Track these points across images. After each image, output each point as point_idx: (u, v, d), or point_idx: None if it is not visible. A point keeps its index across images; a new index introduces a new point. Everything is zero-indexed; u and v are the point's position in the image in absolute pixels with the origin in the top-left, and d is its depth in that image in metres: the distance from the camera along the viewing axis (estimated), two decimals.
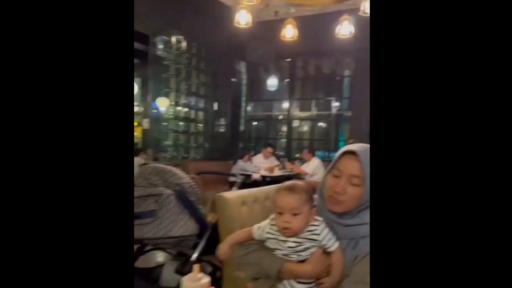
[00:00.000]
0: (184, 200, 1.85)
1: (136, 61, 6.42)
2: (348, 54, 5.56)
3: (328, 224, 0.98)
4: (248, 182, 4.62)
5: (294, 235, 0.94)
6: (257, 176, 4.56)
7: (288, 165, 5.22)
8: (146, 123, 6.14)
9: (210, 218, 2.12)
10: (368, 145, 0.95)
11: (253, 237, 1.03)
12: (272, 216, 0.99)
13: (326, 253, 0.96)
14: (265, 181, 4.47)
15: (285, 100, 6.47)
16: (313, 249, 0.94)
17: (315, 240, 0.95)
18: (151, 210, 1.70)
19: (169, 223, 1.78)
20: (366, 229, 0.92)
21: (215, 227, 1.95)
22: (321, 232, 0.94)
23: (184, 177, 1.87)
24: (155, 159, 5.72)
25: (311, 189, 0.97)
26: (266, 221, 1.03)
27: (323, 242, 0.95)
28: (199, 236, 1.95)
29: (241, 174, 4.67)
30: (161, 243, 1.76)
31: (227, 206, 1.87)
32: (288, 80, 6.41)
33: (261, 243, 1.02)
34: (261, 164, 5.01)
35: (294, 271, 0.95)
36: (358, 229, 0.95)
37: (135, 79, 6.66)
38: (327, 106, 6.62)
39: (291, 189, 0.93)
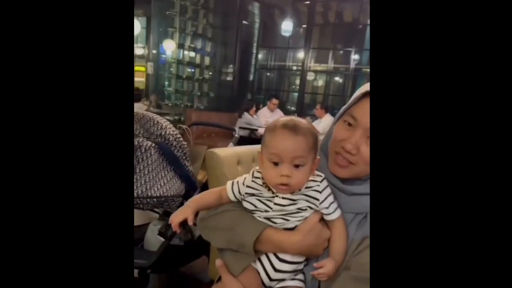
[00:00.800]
0: (168, 154, 1.54)
1: None
2: None
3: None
4: (254, 138, 4.31)
5: (288, 193, 0.66)
6: (262, 132, 4.23)
7: None
8: (149, 67, 5.77)
9: (201, 176, 1.82)
10: None
11: (226, 199, 0.73)
12: (256, 168, 0.71)
13: (323, 221, 0.69)
14: None
15: (300, 49, 5.91)
16: (307, 213, 0.68)
17: (314, 199, 0.67)
18: None
19: (148, 181, 1.49)
20: None
21: (205, 187, 1.66)
22: (323, 190, 0.67)
23: (168, 128, 1.54)
24: (158, 106, 5.43)
25: (316, 132, 0.67)
26: (244, 176, 0.72)
27: (324, 204, 0.67)
28: (186, 196, 1.67)
29: (244, 128, 4.39)
30: (139, 203, 1.49)
31: (218, 164, 1.56)
32: (305, 26, 5.79)
33: (236, 203, 0.72)
34: (266, 118, 4.64)
35: (277, 241, 0.67)
36: (366, 200, 0.65)
37: (139, 18, 6.18)
38: (346, 59, 6.11)
39: (293, 128, 0.64)
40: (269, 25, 5.99)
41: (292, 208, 0.67)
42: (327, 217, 0.68)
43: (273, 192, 0.66)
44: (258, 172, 0.69)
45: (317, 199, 0.66)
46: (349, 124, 0.66)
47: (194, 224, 1.91)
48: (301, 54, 5.88)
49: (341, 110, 0.70)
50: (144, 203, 1.51)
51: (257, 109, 4.74)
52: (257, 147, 2.02)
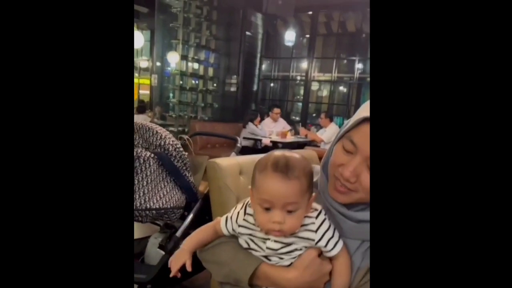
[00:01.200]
0: (167, 165, 1.50)
1: (143, 9, 5.96)
2: None
3: (330, 215, 0.66)
4: (258, 148, 4.27)
5: (281, 237, 0.62)
6: (267, 142, 4.18)
7: (303, 130, 4.80)
8: (153, 79, 5.81)
9: (203, 187, 1.78)
10: None
11: (221, 233, 0.69)
12: (247, 200, 0.67)
13: (323, 256, 0.65)
14: (276, 147, 4.09)
15: (304, 58, 5.90)
16: (303, 251, 0.64)
17: (309, 239, 0.63)
18: None
19: (147, 192, 1.44)
20: None
21: (207, 198, 1.61)
22: (319, 228, 0.62)
23: (167, 137, 1.50)
24: (162, 118, 5.43)
25: (311, 169, 0.62)
26: (238, 208, 0.67)
27: (321, 243, 0.62)
28: (187, 208, 1.62)
29: (248, 138, 4.35)
30: (137, 216, 1.44)
31: (220, 174, 1.51)
32: (308, 36, 5.80)
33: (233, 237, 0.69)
34: (269, 128, 4.60)
35: (273, 277, 0.64)
36: None
37: (143, 31, 6.26)
38: (350, 68, 6.09)
39: (285, 171, 0.58)
40: (272, 35, 6.02)
41: (286, 250, 0.63)
42: (326, 254, 0.63)
43: (266, 233, 0.62)
44: (249, 205, 0.65)
45: (313, 239, 0.62)
46: (347, 151, 0.61)
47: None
48: (304, 64, 5.88)
49: (341, 132, 0.64)
50: (143, 216, 1.46)
51: (262, 119, 4.71)
52: (260, 156, 1.97)
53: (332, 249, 0.62)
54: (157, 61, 5.79)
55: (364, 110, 0.60)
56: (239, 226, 0.65)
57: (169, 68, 5.26)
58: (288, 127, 4.81)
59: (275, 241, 0.62)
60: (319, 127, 4.81)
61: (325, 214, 0.63)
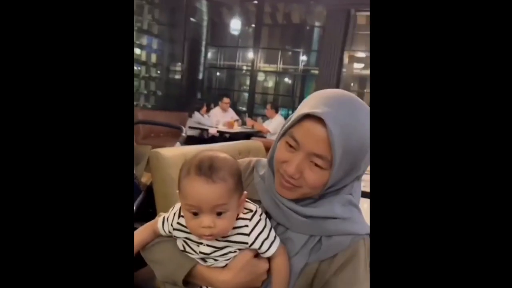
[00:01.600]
0: None
1: None
2: (320, 2, 5.07)
3: (278, 210, 0.65)
4: (205, 138, 4.20)
5: (213, 240, 0.61)
6: (214, 131, 4.14)
7: (249, 121, 4.83)
8: None
9: (145, 179, 1.70)
10: (349, 101, 0.61)
11: (158, 233, 0.68)
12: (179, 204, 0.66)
13: (259, 255, 0.64)
14: (223, 137, 4.06)
15: (250, 48, 5.91)
16: (237, 252, 0.64)
17: (242, 242, 0.62)
18: None
19: None
20: (334, 225, 0.63)
21: (150, 190, 1.55)
22: (252, 231, 0.61)
23: None
24: None
25: (238, 167, 0.62)
26: (174, 209, 0.66)
27: (255, 246, 0.62)
28: None
29: (194, 128, 4.26)
30: None
31: (163, 165, 1.46)
32: (253, 26, 5.81)
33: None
34: (218, 118, 4.56)
35: (208, 278, 0.64)
36: (323, 223, 0.63)
37: None
38: (295, 60, 6.24)
39: (209, 174, 0.56)
40: (217, 23, 5.91)
41: (218, 253, 0.62)
42: (262, 255, 0.63)
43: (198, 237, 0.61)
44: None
45: (246, 243, 0.61)
46: (290, 146, 0.61)
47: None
48: (250, 54, 5.88)
49: (283, 129, 0.64)
50: None
51: (208, 108, 4.64)
52: (206, 146, 1.94)
53: (268, 250, 0.61)
54: None
55: (305, 106, 0.60)
56: (174, 229, 0.63)
57: None
58: (236, 117, 4.81)
59: (208, 245, 0.61)
60: (265, 117, 4.88)
61: (260, 214, 0.63)
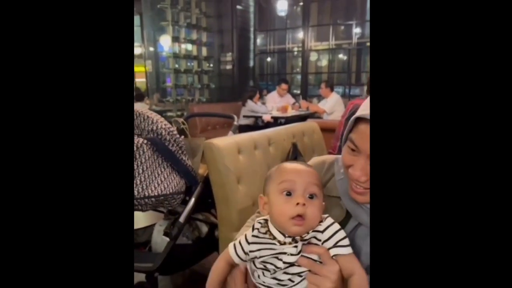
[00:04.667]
0: (162, 150, 1.44)
1: None
2: None
3: (357, 209, 0.65)
4: (260, 125, 4.19)
5: (302, 232, 0.58)
6: (268, 118, 4.09)
7: (304, 103, 4.69)
8: (148, 65, 5.68)
9: (202, 170, 1.73)
10: None
11: (231, 262, 0.64)
12: (256, 218, 0.65)
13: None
14: (278, 122, 4.00)
15: (299, 28, 5.69)
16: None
17: (316, 238, 0.59)
18: None
19: (144, 180, 1.39)
20: None
21: (207, 180, 1.56)
22: (326, 229, 0.59)
23: (159, 122, 1.43)
24: (160, 104, 5.35)
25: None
26: (244, 233, 0.64)
27: (328, 244, 0.58)
28: (188, 193, 1.58)
29: (248, 116, 4.26)
30: (137, 204, 1.40)
31: (217, 155, 1.46)
32: (301, 4, 5.56)
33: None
34: (276, 103, 4.49)
35: None
36: None
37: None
38: (348, 34, 5.87)
39: (301, 163, 0.64)
40: (264, 7, 5.79)
41: (297, 268, 0.58)
42: (335, 255, 0.57)
43: (280, 243, 0.58)
44: (259, 223, 0.62)
45: (319, 240, 0.58)
46: (353, 150, 0.62)
47: (201, 221, 1.80)
48: (300, 34, 5.67)
49: (344, 135, 0.65)
50: (143, 204, 1.41)
51: (261, 95, 4.60)
52: (259, 133, 1.88)
53: (347, 246, 0.58)
54: (150, 46, 5.63)
55: (360, 110, 0.60)
56: (249, 243, 0.61)
57: (163, 53, 5.11)
58: (293, 100, 4.71)
59: (292, 243, 0.57)
60: (321, 98, 4.69)
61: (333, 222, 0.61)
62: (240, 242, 0.62)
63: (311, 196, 0.58)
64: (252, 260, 0.61)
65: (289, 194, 0.58)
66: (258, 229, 0.61)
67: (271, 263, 0.59)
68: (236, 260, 0.63)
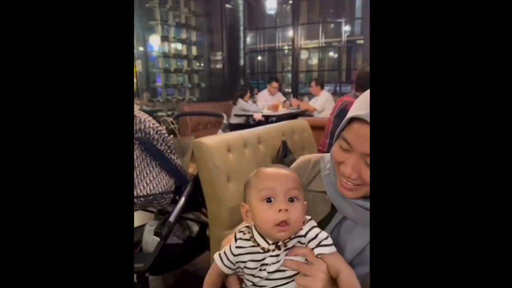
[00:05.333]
0: (150, 149, 1.43)
1: None
2: None
3: (342, 202, 0.66)
4: (251, 124, 4.19)
5: (287, 236, 0.59)
6: (259, 116, 4.09)
7: (294, 101, 4.70)
8: (138, 65, 5.62)
9: (192, 169, 1.72)
10: None
11: (221, 272, 0.64)
12: (241, 226, 0.65)
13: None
14: (269, 121, 4.00)
15: (289, 26, 5.70)
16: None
17: (300, 236, 0.60)
18: None
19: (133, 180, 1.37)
20: None
21: (197, 179, 1.56)
22: (308, 232, 0.60)
23: (147, 121, 1.43)
24: (150, 104, 5.30)
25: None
26: (226, 244, 0.64)
27: (312, 245, 0.59)
28: (178, 192, 1.57)
29: (240, 115, 4.25)
30: None
31: (207, 153, 1.45)
32: (291, 2, 5.57)
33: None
34: (267, 101, 4.49)
35: None
36: None
37: None
38: (337, 32, 5.90)
39: (280, 166, 0.65)
40: (253, 5, 5.78)
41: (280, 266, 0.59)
42: (319, 253, 0.58)
43: (264, 250, 0.59)
44: (241, 231, 0.62)
45: (303, 236, 0.60)
46: (344, 149, 0.63)
47: (192, 220, 1.78)
48: (290, 33, 5.68)
49: (337, 132, 0.65)
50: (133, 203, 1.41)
51: (251, 94, 4.60)
52: (249, 131, 1.88)
53: (330, 245, 0.59)
54: (139, 45, 5.58)
55: (354, 109, 0.61)
56: (235, 255, 0.61)
57: (153, 52, 5.07)
58: (283, 99, 4.71)
59: (275, 250, 0.58)
60: (312, 96, 4.71)
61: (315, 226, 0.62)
62: (225, 253, 0.62)
63: (292, 199, 0.59)
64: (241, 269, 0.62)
65: (269, 200, 0.58)
66: (241, 238, 0.62)
67: (255, 275, 0.60)
68: (224, 269, 0.63)
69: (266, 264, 0.58)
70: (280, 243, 0.58)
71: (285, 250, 0.58)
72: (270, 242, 0.59)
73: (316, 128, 2.41)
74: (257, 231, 0.60)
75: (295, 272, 0.59)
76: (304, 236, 0.59)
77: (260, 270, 0.59)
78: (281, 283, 0.59)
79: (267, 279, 0.59)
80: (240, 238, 0.62)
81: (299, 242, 0.59)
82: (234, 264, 0.62)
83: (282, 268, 0.58)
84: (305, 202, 0.62)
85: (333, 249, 0.58)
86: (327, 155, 0.74)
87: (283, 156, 1.82)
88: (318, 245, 0.58)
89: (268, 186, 0.59)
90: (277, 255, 0.58)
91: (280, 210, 0.57)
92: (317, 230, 0.60)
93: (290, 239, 0.59)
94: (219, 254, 0.63)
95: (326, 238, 0.59)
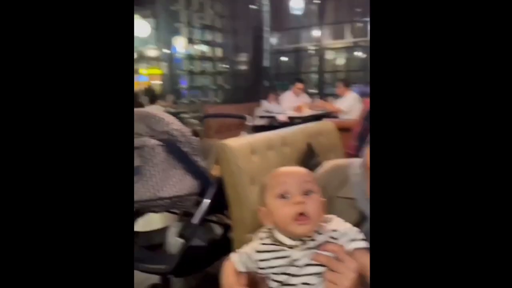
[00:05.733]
0: (176, 151, 1.43)
1: None
2: None
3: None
4: (275, 126, 4.15)
5: (309, 230, 0.58)
6: (283, 118, 4.04)
7: (320, 102, 4.61)
8: (163, 67, 5.73)
9: (215, 171, 1.71)
10: None
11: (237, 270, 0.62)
12: (263, 229, 0.63)
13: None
14: (294, 122, 3.95)
15: (315, 26, 5.61)
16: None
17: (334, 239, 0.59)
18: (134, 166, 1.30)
19: (158, 182, 1.39)
20: None
21: (221, 182, 1.54)
22: (338, 228, 0.60)
23: (172, 123, 1.43)
24: (175, 105, 5.39)
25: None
26: (251, 244, 0.62)
27: (342, 241, 0.58)
28: (202, 194, 1.56)
29: (264, 117, 4.22)
30: (151, 205, 1.39)
31: (230, 156, 1.43)
32: (317, 1, 5.49)
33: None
34: (291, 103, 4.44)
35: None
36: None
37: (147, 19, 6.15)
38: (364, 31, 5.74)
39: (292, 166, 0.66)
40: (278, 6, 5.74)
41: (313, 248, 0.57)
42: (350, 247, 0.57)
43: (289, 247, 0.58)
44: (263, 233, 0.62)
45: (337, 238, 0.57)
46: None
47: (215, 223, 1.78)
48: (316, 32, 5.59)
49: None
50: (157, 205, 1.41)
51: (276, 95, 4.56)
52: (273, 133, 1.85)
53: (360, 240, 0.57)
54: (165, 48, 5.70)
55: None
56: (258, 251, 0.59)
57: (178, 54, 5.16)
58: (309, 100, 4.64)
59: (301, 245, 0.57)
60: (337, 96, 4.61)
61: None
62: (246, 253, 0.60)
63: (307, 193, 0.58)
64: (266, 274, 0.59)
65: (285, 197, 0.58)
66: (262, 239, 0.60)
67: (282, 273, 0.57)
68: (241, 268, 0.59)
69: (294, 260, 0.56)
70: (306, 238, 0.57)
71: (313, 247, 0.56)
72: (294, 239, 0.57)
73: (343, 130, 2.34)
74: (279, 232, 0.59)
75: (324, 270, 0.56)
76: (335, 231, 0.58)
77: (288, 266, 0.57)
78: (310, 281, 0.56)
79: (294, 275, 0.56)
80: (262, 239, 0.61)
81: (331, 237, 0.57)
82: (251, 262, 0.59)
83: (311, 263, 0.56)
84: (323, 199, 0.61)
85: (366, 244, 0.56)
86: (356, 160, 0.71)
87: (309, 158, 1.78)
88: (350, 240, 0.56)
89: (280, 182, 0.59)
90: (305, 249, 0.56)
91: (296, 203, 0.56)
92: (348, 225, 0.58)
93: (319, 234, 0.57)
94: (237, 253, 0.61)
95: (359, 232, 0.57)
